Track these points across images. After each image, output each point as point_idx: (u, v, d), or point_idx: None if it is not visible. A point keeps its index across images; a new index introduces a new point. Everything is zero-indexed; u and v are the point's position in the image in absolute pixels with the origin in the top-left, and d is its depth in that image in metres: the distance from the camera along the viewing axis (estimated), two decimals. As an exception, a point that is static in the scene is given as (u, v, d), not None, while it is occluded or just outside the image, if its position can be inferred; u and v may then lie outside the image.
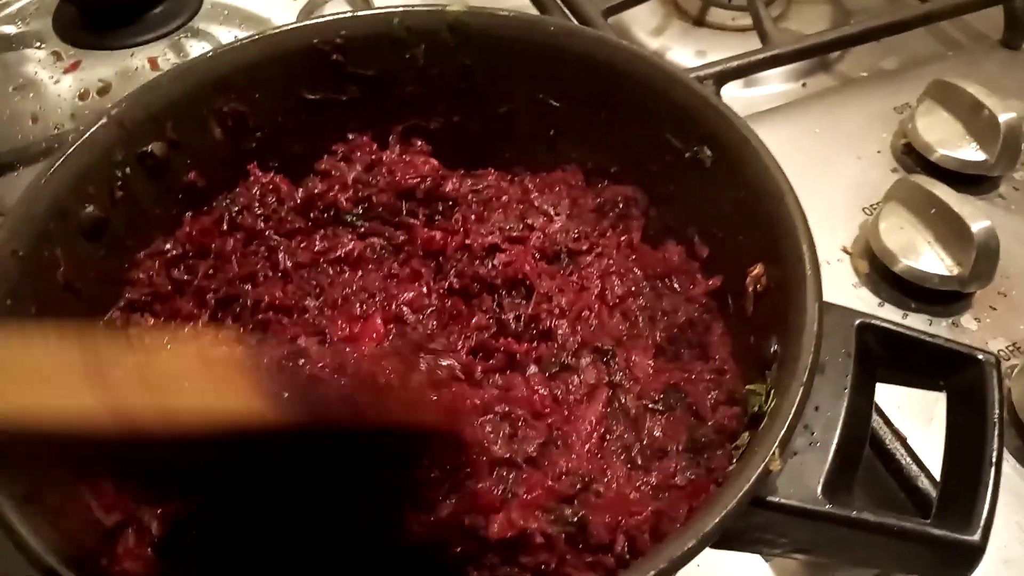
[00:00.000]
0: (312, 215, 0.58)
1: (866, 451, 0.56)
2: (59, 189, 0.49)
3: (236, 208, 0.57)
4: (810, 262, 0.43)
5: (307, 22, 0.59)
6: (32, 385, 0.29)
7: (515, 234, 0.55)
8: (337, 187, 0.58)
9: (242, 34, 0.76)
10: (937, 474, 0.54)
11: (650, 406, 0.49)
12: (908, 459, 0.55)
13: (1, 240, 0.46)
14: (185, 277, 0.55)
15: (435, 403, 0.39)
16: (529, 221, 0.56)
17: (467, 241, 0.54)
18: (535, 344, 0.51)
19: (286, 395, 0.32)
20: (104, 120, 0.52)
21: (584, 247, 0.57)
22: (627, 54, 0.55)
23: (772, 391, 0.41)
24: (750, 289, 0.49)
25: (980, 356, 0.43)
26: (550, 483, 0.44)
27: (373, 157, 0.59)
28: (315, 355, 0.36)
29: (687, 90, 0.53)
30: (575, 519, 0.43)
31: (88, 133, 0.51)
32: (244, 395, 0.32)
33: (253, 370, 0.33)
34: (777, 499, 0.38)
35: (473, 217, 0.57)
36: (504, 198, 0.58)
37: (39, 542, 0.35)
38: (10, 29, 0.76)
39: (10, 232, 0.46)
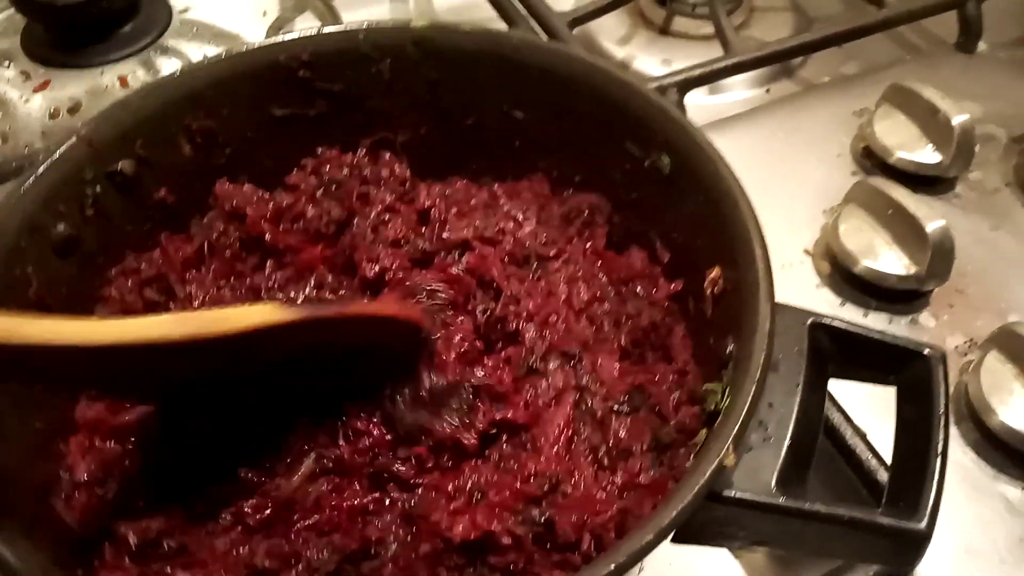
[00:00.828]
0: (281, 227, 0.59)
1: (828, 447, 0.58)
2: (30, 208, 0.50)
3: (214, 234, 0.57)
4: (762, 265, 0.45)
5: (274, 40, 0.59)
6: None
7: (487, 234, 0.56)
8: (305, 199, 0.59)
9: (212, 51, 0.77)
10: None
11: (616, 408, 0.51)
12: (868, 454, 0.57)
13: (-28, 261, 0.46)
14: (158, 297, 0.55)
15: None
16: (500, 225, 0.57)
17: (443, 235, 0.55)
18: (503, 346, 0.52)
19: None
20: (73, 139, 0.52)
21: (552, 252, 0.58)
22: (585, 66, 0.57)
23: (727, 389, 0.43)
24: (708, 292, 0.50)
25: (926, 351, 0.45)
26: (519, 485, 0.45)
27: (348, 172, 0.60)
28: None
29: (644, 100, 0.54)
30: (543, 520, 0.44)
31: (58, 152, 0.52)
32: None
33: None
34: (733, 493, 0.39)
35: (444, 217, 0.58)
36: (473, 202, 0.60)
37: (15, 555, 0.35)
38: (-22, 50, 0.77)
39: (-20, 252, 0.47)
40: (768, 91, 0.96)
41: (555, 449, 0.49)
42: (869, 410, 0.60)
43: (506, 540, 0.43)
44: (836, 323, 0.45)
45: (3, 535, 0.36)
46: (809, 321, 0.45)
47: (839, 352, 0.46)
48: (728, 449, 0.37)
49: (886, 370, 0.46)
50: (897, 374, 0.46)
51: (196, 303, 0.54)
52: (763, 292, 0.44)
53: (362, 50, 0.60)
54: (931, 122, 0.78)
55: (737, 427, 0.38)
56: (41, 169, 0.51)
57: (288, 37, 0.60)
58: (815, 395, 0.44)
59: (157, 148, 0.56)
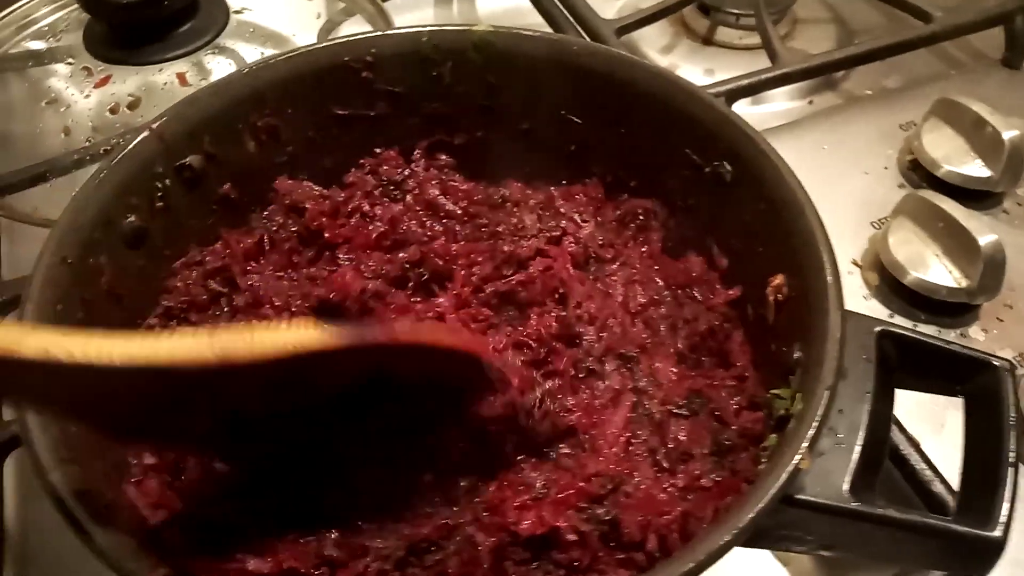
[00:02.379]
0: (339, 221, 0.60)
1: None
2: (104, 200, 0.51)
3: (273, 227, 0.58)
4: (831, 272, 0.45)
5: (339, 40, 0.60)
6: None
7: (552, 234, 0.56)
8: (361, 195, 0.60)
9: (267, 52, 0.78)
10: (949, 477, 0.56)
11: (674, 411, 0.51)
12: (922, 464, 0.57)
13: (52, 248, 0.47)
14: (221, 288, 0.56)
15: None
16: (562, 224, 0.58)
17: (507, 248, 0.55)
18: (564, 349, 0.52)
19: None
20: (146, 133, 0.53)
21: (609, 255, 0.59)
22: (647, 72, 0.57)
23: (798, 395, 0.43)
24: (771, 298, 0.50)
25: (995, 362, 0.45)
26: (581, 484, 0.46)
27: (405, 172, 0.61)
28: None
29: (707, 107, 0.55)
30: (608, 518, 0.44)
31: (131, 146, 0.53)
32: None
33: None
34: (806, 497, 0.40)
35: (503, 227, 0.58)
36: (532, 202, 0.60)
37: (104, 539, 0.36)
38: (41, 45, 0.78)
39: (59, 241, 0.48)
40: (811, 102, 0.96)
41: (614, 450, 0.49)
42: (919, 422, 0.60)
43: (571, 536, 0.43)
44: (905, 332, 0.46)
45: (91, 521, 0.37)
46: (877, 329, 0.45)
47: (905, 361, 0.46)
48: (804, 452, 0.38)
49: (952, 380, 0.46)
50: (963, 385, 0.46)
51: (260, 293, 0.55)
52: (832, 299, 0.44)
53: (424, 52, 0.61)
54: (979, 136, 0.78)
55: (812, 431, 0.39)
56: (114, 162, 0.52)
57: (353, 38, 0.61)
58: (883, 402, 0.44)
59: (223, 144, 0.57)
